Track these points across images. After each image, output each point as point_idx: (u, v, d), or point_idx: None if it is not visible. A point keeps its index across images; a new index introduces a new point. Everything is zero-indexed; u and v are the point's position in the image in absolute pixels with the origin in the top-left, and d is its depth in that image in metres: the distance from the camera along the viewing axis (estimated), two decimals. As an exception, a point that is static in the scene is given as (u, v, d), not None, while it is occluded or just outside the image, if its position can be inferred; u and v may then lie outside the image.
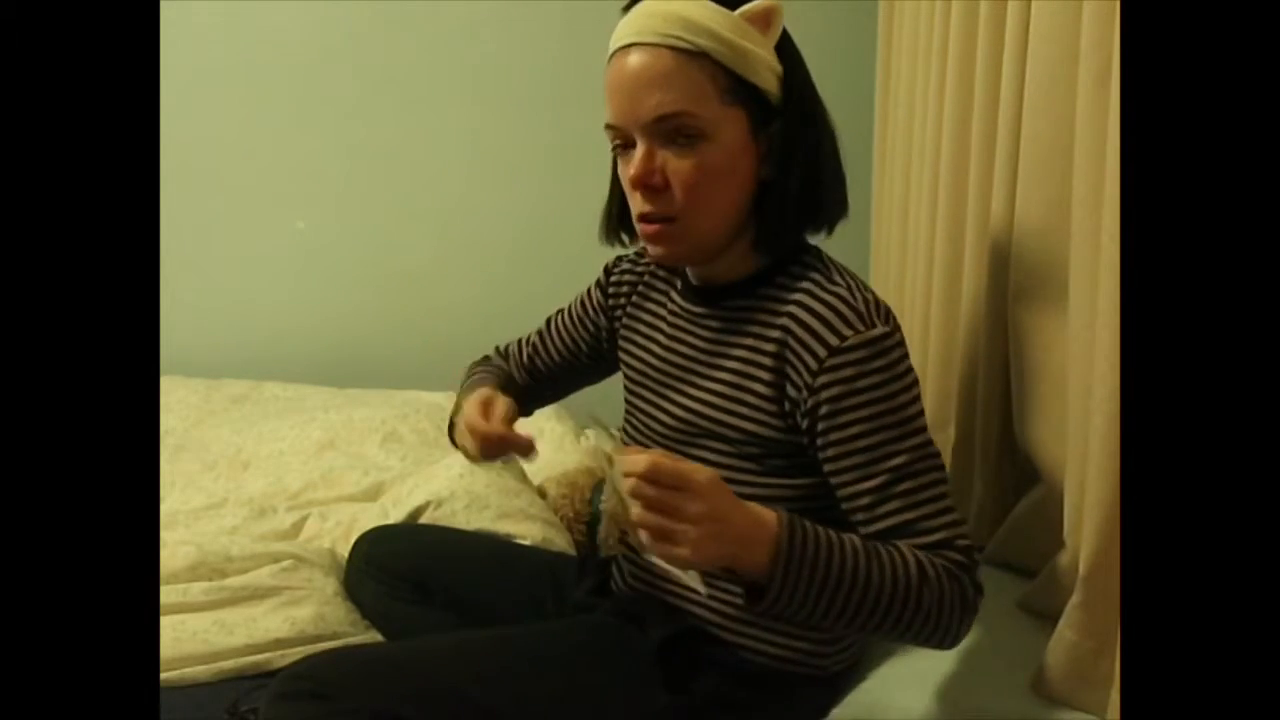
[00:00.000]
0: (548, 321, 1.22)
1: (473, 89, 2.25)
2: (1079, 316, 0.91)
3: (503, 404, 1.02)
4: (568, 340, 1.19)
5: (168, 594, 1.26)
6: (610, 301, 1.14)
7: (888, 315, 0.89)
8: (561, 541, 1.48)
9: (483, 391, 1.04)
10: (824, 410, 0.86)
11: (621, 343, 1.12)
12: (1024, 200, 1.08)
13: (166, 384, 2.14)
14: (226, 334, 2.41)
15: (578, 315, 1.18)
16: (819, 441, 0.88)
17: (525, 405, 1.16)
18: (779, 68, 0.90)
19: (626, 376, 1.10)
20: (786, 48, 0.92)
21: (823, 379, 0.86)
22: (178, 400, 2.08)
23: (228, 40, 2.24)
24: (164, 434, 1.90)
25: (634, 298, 1.11)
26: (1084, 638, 0.88)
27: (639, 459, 0.74)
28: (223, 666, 1.18)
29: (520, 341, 1.24)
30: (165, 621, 1.21)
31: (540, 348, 1.21)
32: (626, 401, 1.10)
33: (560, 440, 1.87)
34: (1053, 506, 1.02)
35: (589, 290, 1.18)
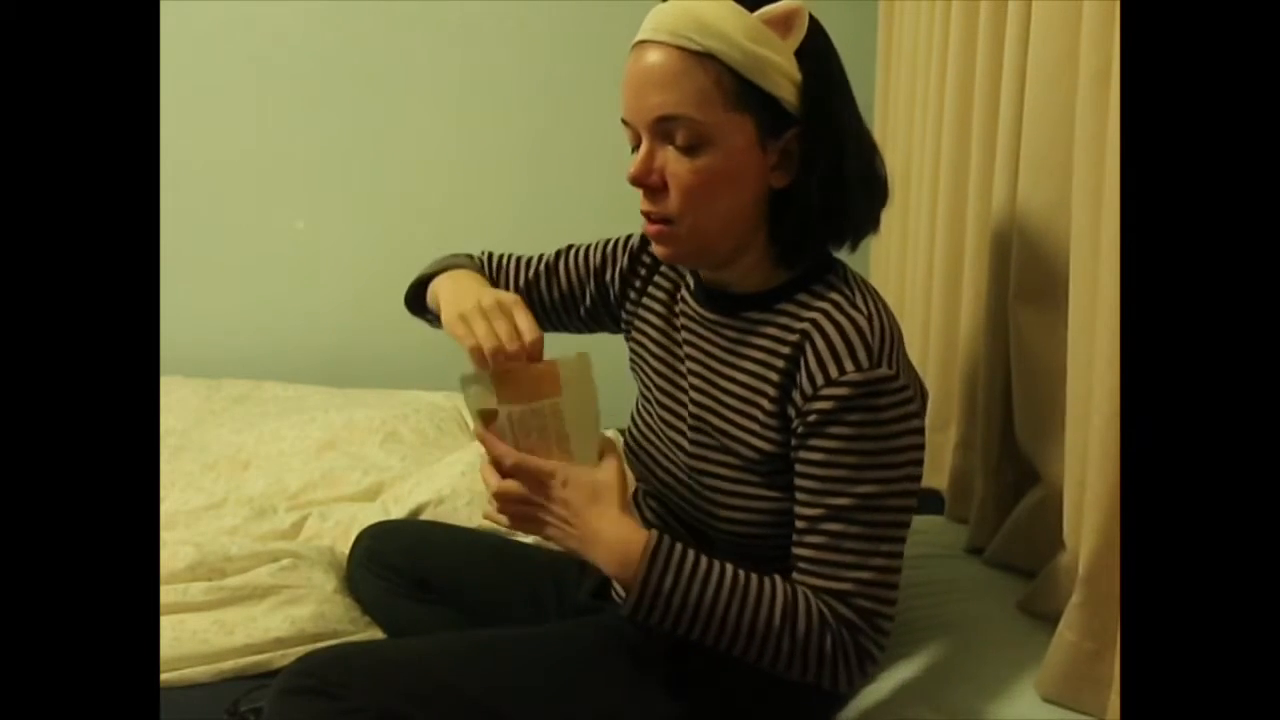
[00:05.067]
0: (558, 255, 1.13)
1: (472, 89, 2.25)
2: (1079, 316, 0.91)
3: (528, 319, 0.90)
4: (575, 284, 1.11)
5: (167, 594, 1.25)
6: (633, 273, 1.08)
7: (896, 359, 0.85)
8: (562, 541, 1.48)
9: (500, 295, 0.92)
10: (801, 431, 0.86)
11: (633, 330, 1.09)
12: (1024, 200, 1.08)
13: (166, 384, 2.13)
14: (226, 334, 2.40)
15: (595, 265, 1.11)
16: (792, 458, 0.88)
17: None
18: (797, 75, 0.86)
19: (639, 367, 1.08)
20: (814, 53, 0.87)
21: (811, 404, 0.85)
22: (178, 400, 2.08)
23: (228, 40, 2.23)
24: (164, 434, 1.89)
25: (650, 285, 1.08)
26: (1084, 639, 0.88)
27: (506, 455, 0.88)
28: (222, 667, 1.18)
29: (516, 262, 1.14)
30: (165, 621, 1.21)
31: (544, 279, 1.12)
32: (641, 395, 1.07)
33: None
34: (1052, 507, 1.02)
35: (614, 245, 1.10)
